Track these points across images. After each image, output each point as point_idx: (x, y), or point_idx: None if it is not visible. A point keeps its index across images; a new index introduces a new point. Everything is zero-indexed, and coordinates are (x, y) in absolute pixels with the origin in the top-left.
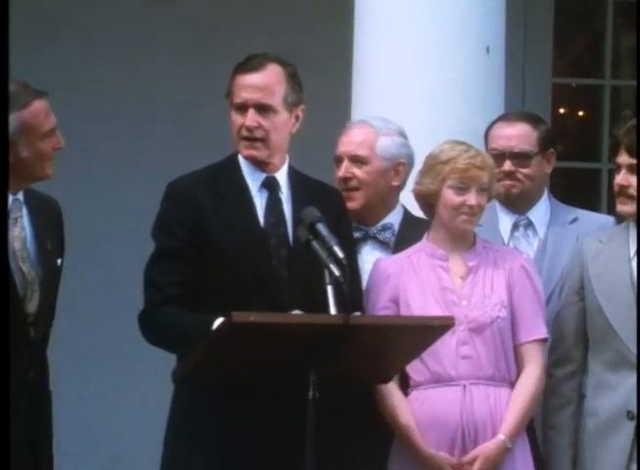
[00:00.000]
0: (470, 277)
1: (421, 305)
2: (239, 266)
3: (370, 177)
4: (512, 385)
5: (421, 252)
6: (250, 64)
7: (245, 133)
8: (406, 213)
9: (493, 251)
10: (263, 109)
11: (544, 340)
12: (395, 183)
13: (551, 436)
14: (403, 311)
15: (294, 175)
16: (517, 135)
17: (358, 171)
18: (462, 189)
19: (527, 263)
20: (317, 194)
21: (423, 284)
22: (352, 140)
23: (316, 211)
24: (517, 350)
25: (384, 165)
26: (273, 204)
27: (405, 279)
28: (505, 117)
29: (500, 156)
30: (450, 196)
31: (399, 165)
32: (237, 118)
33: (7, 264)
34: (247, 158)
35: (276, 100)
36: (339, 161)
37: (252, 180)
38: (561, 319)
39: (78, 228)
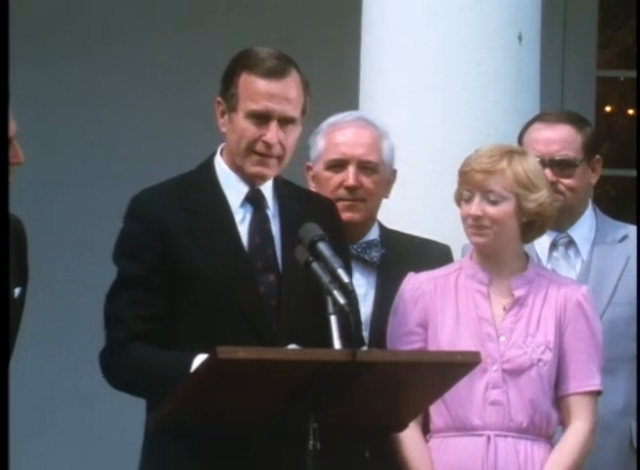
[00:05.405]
0: (514, 309)
1: (450, 336)
2: (219, 296)
3: (377, 189)
4: (550, 441)
5: (461, 271)
6: (271, 67)
7: (261, 149)
8: (382, 227)
9: (547, 280)
10: (285, 122)
11: (597, 392)
12: (388, 195)
13: None
14: (431, 341)
15: (280, 186)
16: (558, 139)
17: (367, 181)
18: (468, 198)
19: (585, 300)
20: (308, 207)
21: (457, 311)
22: (360, 142)
23: (317, 228)
24: (563, 401)
25: (387, 175)
26: (259, 221)
27: (438, 302)
28: (543, 118)
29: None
30: (462, 208)
31: (393, 174)
32: (249, 128)
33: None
34: (255, 176)
35: (298, 111)
36: (340, 164)
37: (233, 194)
38: None
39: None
